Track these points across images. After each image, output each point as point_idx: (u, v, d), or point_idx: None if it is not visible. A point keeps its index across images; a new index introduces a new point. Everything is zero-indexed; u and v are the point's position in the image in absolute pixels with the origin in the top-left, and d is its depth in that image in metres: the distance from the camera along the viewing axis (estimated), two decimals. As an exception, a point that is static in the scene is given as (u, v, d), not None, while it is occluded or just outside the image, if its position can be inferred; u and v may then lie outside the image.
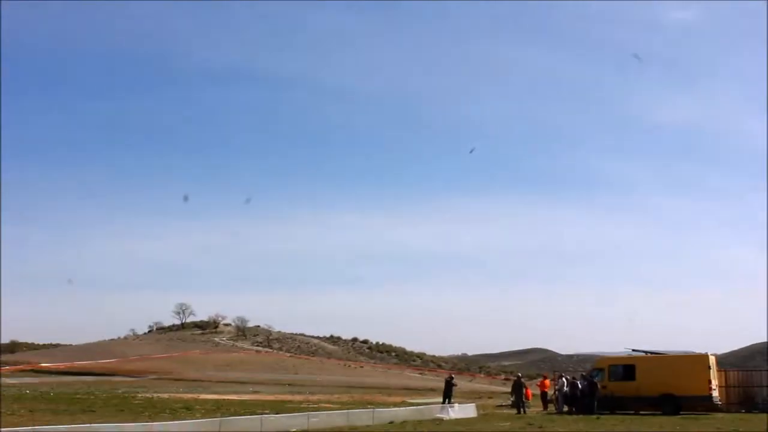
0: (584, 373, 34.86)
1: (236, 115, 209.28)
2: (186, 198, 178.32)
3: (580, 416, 29.59)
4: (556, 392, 33.99)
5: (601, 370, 33.20)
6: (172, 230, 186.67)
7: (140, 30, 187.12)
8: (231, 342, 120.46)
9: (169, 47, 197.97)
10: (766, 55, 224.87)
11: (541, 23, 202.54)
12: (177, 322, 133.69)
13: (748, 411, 33.12)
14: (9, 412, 25.56)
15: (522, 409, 32.28)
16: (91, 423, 20.07)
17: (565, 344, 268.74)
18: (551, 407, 34.26)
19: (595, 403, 31.55)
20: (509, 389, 37.52)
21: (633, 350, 34.22)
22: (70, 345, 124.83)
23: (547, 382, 37.00)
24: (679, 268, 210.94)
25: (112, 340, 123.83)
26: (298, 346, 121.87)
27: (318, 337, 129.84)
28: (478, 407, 32.23)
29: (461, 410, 29.62)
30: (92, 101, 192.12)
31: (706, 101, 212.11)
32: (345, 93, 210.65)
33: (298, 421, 23.32)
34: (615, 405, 32.01)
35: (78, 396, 40.02)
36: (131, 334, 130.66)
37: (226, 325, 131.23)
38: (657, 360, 33.00)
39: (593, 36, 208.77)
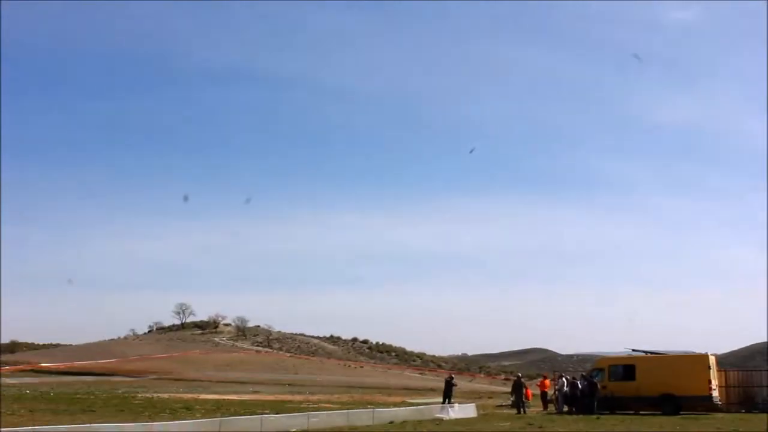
0: (584, 373, 34.85)
1: (236, 115, 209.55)
2: (186, 198, 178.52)
3: (580, 416, 29.59)
4: (556, 392, 33.99)
5: (601, 370, 33.21)
6: (172, 230, 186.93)
7: (140, 30, 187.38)
8: (231, 342, 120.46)
9: (169, 47, 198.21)
10: (766, 55, 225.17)
11: (541, 23, 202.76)
12: (177, 322, 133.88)
13: (748, 411, 33.12)
14: (9, 412, 25.56)
15: (522, 409, 32.29)
16: (91, 423, 20.08)
17: (565, 344, 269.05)
18: (551, 407, 34.26)
19: (595, 403, 31.54)
20: (509, 389, 37.52)
21: (633, 350, 34.23)
22: (70, 345, 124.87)
23: (547, 382, 37.00)
24: (679, 268, 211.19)
25: (112, 340, 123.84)
26: (298, 346, 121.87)
27: (318, 337, 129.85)
28: (478, 407, 32.23)
29: (461, 410, 29.62)
30: (92, 101, 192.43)
31: (706, 101, 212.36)
32: (345, 93, 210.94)
33: (298, 421, 23.32)
34: (615, 405, 32.01)
35: (78, 396, 40.02)
36: (131, 334, 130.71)
37: (226, 325, 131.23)
38: (657, 360, 33.00)
39: (593, 36, 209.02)
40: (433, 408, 30.15)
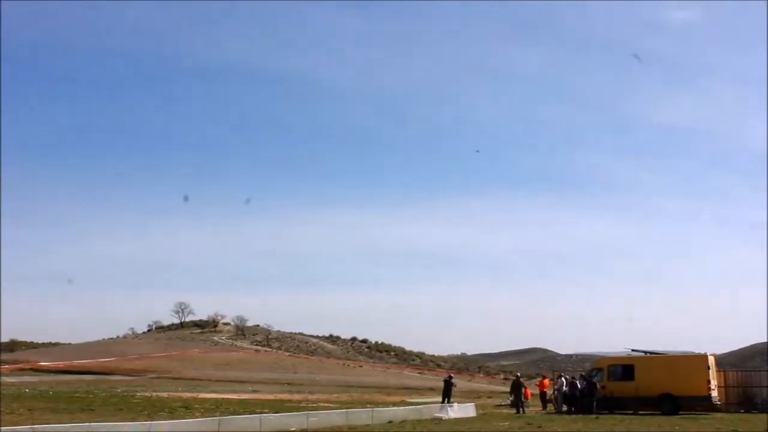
0: (583, 373, 34.84)
1: (236, 114, 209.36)
2: (186, 198, 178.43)
3: (579, 416, 29.58)
4: (555, 392, 34.01)
5: (600, 369, 33.21)
6: (172, 229, 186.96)
7: (140, 30, 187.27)
8: (230, 341, 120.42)
9: (169, 47, 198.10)
10: (766, 55, 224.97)
11: (541, 23, 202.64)
12: (176, 321, 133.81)
13: (747, 411, 33.14)
14: (8, 411, 25.56)
15: (521, 409, 32.30)
16: (90, 422, 20.08)
17: (564, 344, 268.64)
18: (550, 407, 34.28)
19: (594, 402, 31.55)
20: (508, 389, 37.52)
21: (632, 350, 34.23)
22: (70, 344, 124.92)
23: (546, 381, 37.01)
24: (678, 268, 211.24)
25: (111, 339, 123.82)
26: (297, 345, 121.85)
27: (317, 337, 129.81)
28: (477, 407, 32.24)
29: (460, 410, 29.62)
30: (92, 101, 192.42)
31: (706, 101, 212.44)
32: (344, 92, 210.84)
33: (297, 420, 23.32)
34: (614, 405, 32.01)
35: (77, 395, 40.01)
36: (130, 333, 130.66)
37: (226, 324, 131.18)
38: (656, 360, 33.00)
39: (593, 36, 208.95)
40: (433, 407, 30.15)
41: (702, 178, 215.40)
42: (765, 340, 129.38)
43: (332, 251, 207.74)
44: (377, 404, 34.30)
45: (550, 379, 37.38)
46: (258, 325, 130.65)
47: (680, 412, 30.61)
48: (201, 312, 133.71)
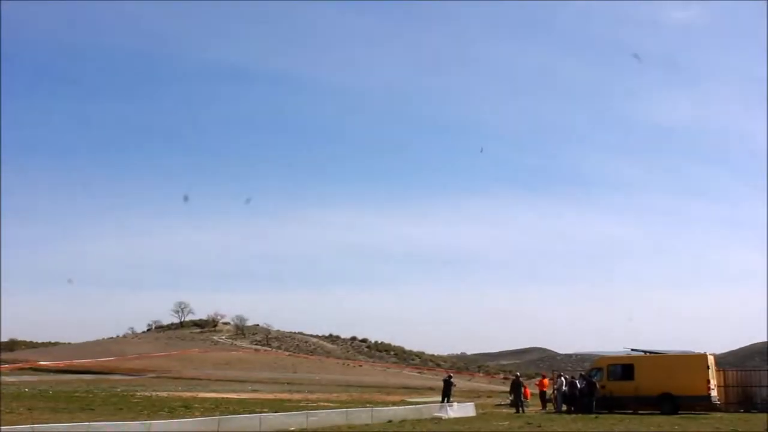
0: (583, 373, 34.86)
1: (236, 114, 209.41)
2: (186, 198, 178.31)
3: (579, 415, 29.58)
4: (555, 391, 34.01)
5: (599, 369, 33.21)
6: (171, 229, 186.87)
7: (140, 30, 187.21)
8: (230, 340, 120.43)
9: (169, 47, 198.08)
10: (766, 55, 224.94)
11: (542, 23, 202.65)
12: (176, 320, 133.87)
13: (747, 411, 33.15)
14: (8, 411, 25.57)
15: (521, 409, 32.32)
16: (90, 422, 20.06)
17: (563, 343, 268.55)
18: (550, 406, 34.29)
19: (594, 402, 31.56)
20: (508, 388, 37.54)
21: (632, 350, 34.23)
22: (69, 343, 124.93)
23: (546, 381, 37.02)
24: (678, 268, 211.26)
25: (111, 338, 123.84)
26: (297, 344, 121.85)
27: (317, 336, 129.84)
28: (477, 406, 32.24)
29: (460, 409, 29.62)
30: (92, 101, 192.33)
31: (706, 101, 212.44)
32: (344, 92, 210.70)
33: (297, 419, 23.33)
34: (613, 404, 32.02)
35: (77, 394, 40.02)
36: (130, 332, 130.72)
37: (225, 323, 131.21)
38: (656, 359, 33.01)
39: (593, 36, 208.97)
40: (432, 407, 30.15)
41: (702, 177, 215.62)
42: (764, 340, 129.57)
43: (332, 251, 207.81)
44: (377, 404, 34.30)
45: (550, 379, 37.38)
46: (258, 325, 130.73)
47: (680, 412, 30.60)
48: (201, 311, 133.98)
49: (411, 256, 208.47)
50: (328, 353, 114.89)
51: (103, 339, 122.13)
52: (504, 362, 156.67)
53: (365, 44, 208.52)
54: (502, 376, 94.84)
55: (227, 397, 40.78)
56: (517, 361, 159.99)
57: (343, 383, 69.67)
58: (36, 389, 45.12)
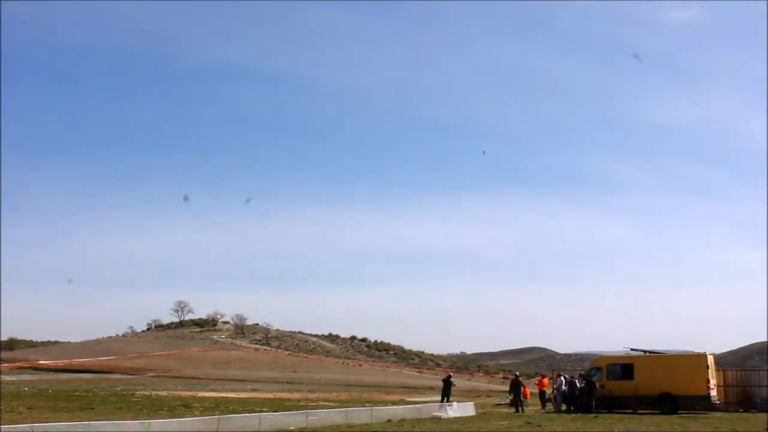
0: (582, 372, 34.89)
1: (236, 114, 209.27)
2: (186, 198, 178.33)
3: (579, 415, 29.61)
4: (555, 391, 34.02)
5: (599, 369, 33.24)
6: (171, 228, 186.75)
7: (140, 29, 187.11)
8: (229, 340, 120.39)
9: (169, 46, 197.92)
10: (766, 55, 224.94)
11: (541, 23, 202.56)
12: (175, 319, 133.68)
13: (747, 410, 33.17)
14: (8, 410, 25.57)
15: (520, 408, 32.35)
16: (89, 421, 20.07)
17: (563, 343, 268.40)
18: (549, 406, 34.30)
19: (594, 402, 31.58)
20: (507, 388, 37.56)
21: (631, 349, 34.26)
22: (69, 342, 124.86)
23: (546, 381, 37.04)
24: (678, 267, 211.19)
25: (110, 337, 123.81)
26: (297, 344, 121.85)
27: (316, 336, 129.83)
28: (476, 406, 32.25)
29: (460, 409, 29.63)
30: (92, 100, 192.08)
31: (706, 101, 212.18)
32: (343, 92, 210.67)
33: (296, 419, 23.35)
34: (613, 404, 32.05)
35: (76, 393, 40.03)
36: (130, 331, 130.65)
37: (225, 323, 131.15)
38: (655, 359, 33.03)
39: (593, 36, 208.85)
40: (432, 406, 30.16)
41: (702, 177, 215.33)
42: (764, 340, 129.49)
43: (332, 251, 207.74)
44: (376, 403, 34.33)
45: (550, 378, 37.41)
46: (257, 324, 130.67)
47: (679, 412, 30.64)
48: (200, 311, 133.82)
49: (410, 256, 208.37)
50: (327, 353, 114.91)
51: (103, 338, 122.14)
52: (503, 362, 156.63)
53: (365, 44, 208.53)
54: (501, 375, 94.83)
55: (227, 397, 40.79)
56: (517, 361, 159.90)
57: (343, 383, 69.69)
58: (36, 388, 45.13)
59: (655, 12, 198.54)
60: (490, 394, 54.51)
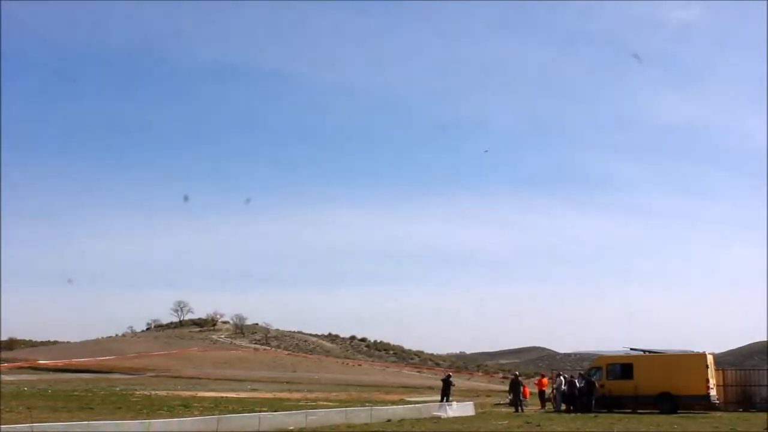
0: (582, 372, 34.90)
1: (236, 114, 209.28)
2: (186, 198, 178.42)
3: (578, 415, 29.62)
4: (554, 391, 34.02)
5: (599, 368, 33.25)
6: (171, 228, 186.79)
7: (140, 28, 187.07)
8: (229, 340, 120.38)
9: (169, 46, 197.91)
10: (766, 55, 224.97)
11: (541, 22, 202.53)
12: (175, 319, 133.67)
13: (746, 410, 33.18)
14: (7, 410, 25.56)
15: (520, 408, 32.36)
16: (89, 420, 20.05)
17: (563, 343, 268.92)
18: (549, 406, 34.30)
19: (593, 401, 31.59)
20: (507, 387, 37.56)
21: (631, 349, 34.26)
22: (68, 342, 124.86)
23: (545, 380, 37.05)
24: (678, 267, 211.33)
25: (110, 337, 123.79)
26: (297, 344, 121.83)
27: (316, 335, 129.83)
28: (476, 405, 32.26)
29: (459, 408, 29.63)
30: (92, 100, 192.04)
31: (706, 101, 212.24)
32: (343, 91, 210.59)
33: (296, 419, 23.34)
34: (613, 404, 32.05)
35: (76, 393, 40.02)
36: (129, 331, 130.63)
37: (225, 322, 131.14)
38: (655, 359, 33.04)
39: (593, 35, 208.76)
40: (431, 406, 30.16)
41: (702, 177, 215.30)
42: (764, 339, 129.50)
43: (332, 251, 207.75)
44: (376, 403, 34.32)
45: (549, 378, 37.40)
46: (257, 324, 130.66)
47: (679, 411, 30.65)
48: (200, 310, 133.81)
49: (410, 255, 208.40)
50: (327, 352, 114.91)
51: (103, 338, 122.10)
52: (503, 361, 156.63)
53: (365, 44, 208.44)
54: (501, 375, 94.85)
55: (226, 396, 40.79)
56: (517, 361, 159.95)
57: (342, 382, 69.69)
58: (35, 388, 45.12)
59: (655, 12, 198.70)
60: (489, 393, 54.51)
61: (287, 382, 66.50)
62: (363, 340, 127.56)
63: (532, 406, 34.95)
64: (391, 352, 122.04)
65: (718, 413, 30.76)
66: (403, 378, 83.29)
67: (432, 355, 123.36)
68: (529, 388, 38.25)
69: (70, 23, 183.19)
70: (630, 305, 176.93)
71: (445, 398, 33.87)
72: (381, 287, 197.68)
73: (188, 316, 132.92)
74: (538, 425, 23.95)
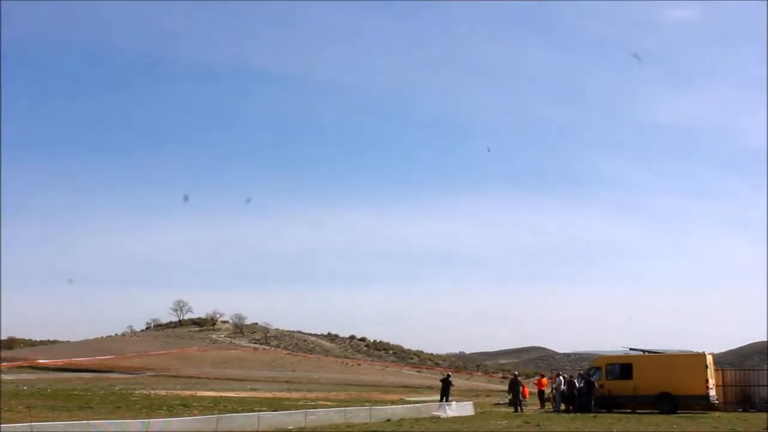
0: (581, 372, 34.87)
1: (236, 114, 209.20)
2: (186, 198, 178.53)
3: (578, 415, 29.62)
4: (554, 391, 34.02)
5: (598, 368, 33.23)
6: (171, 228, 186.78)
7: (139, 28, 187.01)
8: (228, 339, 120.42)
9: (169, 45, 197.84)
10: (766, 55, 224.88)
11: (541, 22, 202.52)
12: (174, 319, 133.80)
13: (746, 410, 33.16)
14: (7, 409, 25.57)
15: (519, 408, 32.36)
16: (88, 420, 20.06)
17: (562, 343, 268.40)
18: (548, 406, 34.30)
19: (593, 401, 31.58)
20: (506, 387, 37.57)
21: (630, 349, 34.25)
22: (68, 341, 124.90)
23: (545, 380, 37.04)
24: (678, 267, 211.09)
25: (109, 336, 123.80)
26: (296, 343, 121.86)
27: (316, 335, 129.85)
28: (475, 405, 32.27)
29: (459, 408, 29.64)
30: (92, 100, 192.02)
31: (705, 101, 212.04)
32: (343, 91, 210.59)
33: (295, 418, 23.34)
34: (612, 404, 32.04)
35: (75, 392, 40.03)
36: (129, 330, 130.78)
37: (224, 322, 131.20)
38: (654, 359, 33.04)
39: (593, 35, 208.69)
40: (431, 406, 30.16)
41: (702, 177, 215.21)
42: (763, 339, 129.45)
43: (331, 250, 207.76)
44: (375, 403, 34.32)
45: (549, 378, 37.39)
46: (256, 324, 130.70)
47: (678, 411, 30.64)
48: (199, 310, 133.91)
49: (410, 255, 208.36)
50: (326, 352, 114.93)
51: (102, 337, 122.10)
52: (503, 361, 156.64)
53: (366, 44, 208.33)
54: (500, 375, 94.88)
55: (226, 396, 40.79)
56: (516, 360, 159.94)
57: (342, 382, 69.72)
58: (34, 387, 45.13)
59: (655, 12, 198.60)
60: (489, 393, 54.52)
61: (286, 382, 66.53)
62: (362, 339, 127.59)
63: (531, 406, 34.95)
64: (391, 351, 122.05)
65: (718, 413, 30.76)
66: (402, 378, 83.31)
67: (431, 354, 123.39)
68: (529, 388, 38.27)
69: (71, 22, 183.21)
70: (629, 305, 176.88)
71: (444, 398, 33.86)
72: (380, 287, 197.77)
73: (188, 316, 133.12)
74: (538, 425, 23.96)
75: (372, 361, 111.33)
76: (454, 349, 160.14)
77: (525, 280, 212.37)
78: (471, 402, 32.89)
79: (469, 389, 59.81)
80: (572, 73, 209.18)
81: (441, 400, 33.05)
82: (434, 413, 28.34)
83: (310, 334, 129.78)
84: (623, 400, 31.94)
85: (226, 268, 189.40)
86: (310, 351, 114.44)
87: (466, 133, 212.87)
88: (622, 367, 32.95)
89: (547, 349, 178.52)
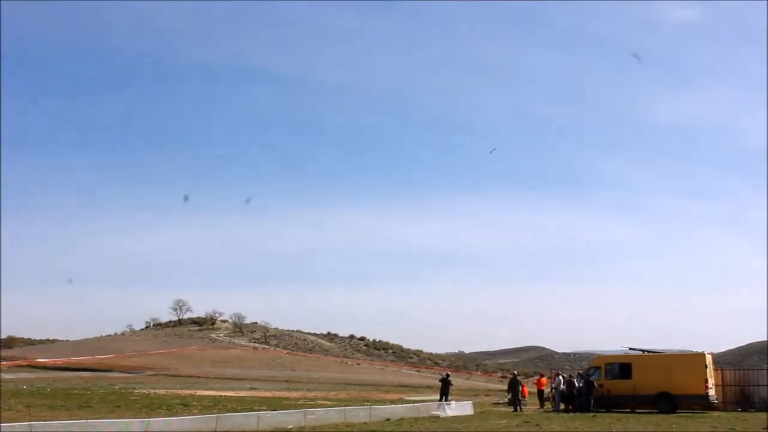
0: (581, 371, 34.88)
1: (237, 114, 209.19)
2: (186, 198, 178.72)
3: (577, 414, 29.63)
4: (553, 390, 34.03)
5: (597, 368, 33.23)
6: (170, 227, 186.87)
7: (141, 29, 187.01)
8: (228, 338, 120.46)
9: (169, 45, 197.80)
10: (766, 55, 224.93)
11: (541, 22, 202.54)
12: (174, 318, 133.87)
13: (745, 410, 33.16)
14: (6, 408, 25.57)
15: (518, 407, 32.36)
16: (88, 419, 20.07)
17: (562, 342, 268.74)
18: (548, 405, 34.31)
19: (592, 401, 31.58)
20: (506, 387, 37.57)
21: (630, 348, 34.25)
22: (67, 341, 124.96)
23: (544, 380, 37.04)
24: (678, 268, 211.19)
25: (109, 335, 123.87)
26: (296, 343, 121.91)
27: (315, 334, 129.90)
28: (474, 405, 32.27)
29: (458, 408, 29.64)
30: (92, 100, 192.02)
31: (705, 100, 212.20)
32: (343, 91, 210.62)
33: (295, 418, 23.35)
34: (611, 403, 32.04)
35: (75, 392, 40.03)
36: (128, 330, 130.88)
37: (223, 321, 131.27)
38: (653, 358, 33.04)
39: (593, 35, 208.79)
40: (430, 405, 30.17)
41: (702, 177, 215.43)
42: (763, 339, 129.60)
43: (331, 250, 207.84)
44: (375, 402, 34.34)
45: (548, 378, 37.40)
46: (256, 323, 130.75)
47: (678, 411, 30.63)
48: (199, 309, 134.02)
49: (409, 255, 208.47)
50: (326, 351, 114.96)
51: (102, 336, 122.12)
52: (502, 361, 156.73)
53: (366, 44, 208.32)
54: (500, 374, 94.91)
55: (225, 395, 40.80)
56: (515, 360, 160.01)
57: (341, 381, 69.71)
58: (34, 387, 45.12)
59: (655, 12, 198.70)
60: (488, 393, 54.51)
61: (286, 381, 66.51)
62: (362, 339, 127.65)
63: (530, 405, 34.95)
64: (390, 351, 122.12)
65: (717, 413, 30.76)
66: (402, 377, 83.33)
67: (431, 354, 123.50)
68: (528, 387, 38.26)
69: (72, 22, 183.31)
70: (629, 305, 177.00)
71: (444, 397, 33.86)
72: (380, 286, 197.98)
73: (187, 315, 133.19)
74: (537, 425, 23.96)
75: (371, 360, 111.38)
76: (454, 349, 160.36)
77: (525, 280, 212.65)
78: (470, 401, 32.90)
79: (468, 389, 59.81)
80: (572, 73, 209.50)
81: (440, 400, 33.05)
82: (434, 413, 28.34)
83: (309, 334, 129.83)
84: (622, 399, 31.94)
85: (226, 268, 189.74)
86: (309, 350, 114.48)
87: (466, 133, 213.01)
88: (622, 367, 32.94)
89: (547, 349, 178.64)
